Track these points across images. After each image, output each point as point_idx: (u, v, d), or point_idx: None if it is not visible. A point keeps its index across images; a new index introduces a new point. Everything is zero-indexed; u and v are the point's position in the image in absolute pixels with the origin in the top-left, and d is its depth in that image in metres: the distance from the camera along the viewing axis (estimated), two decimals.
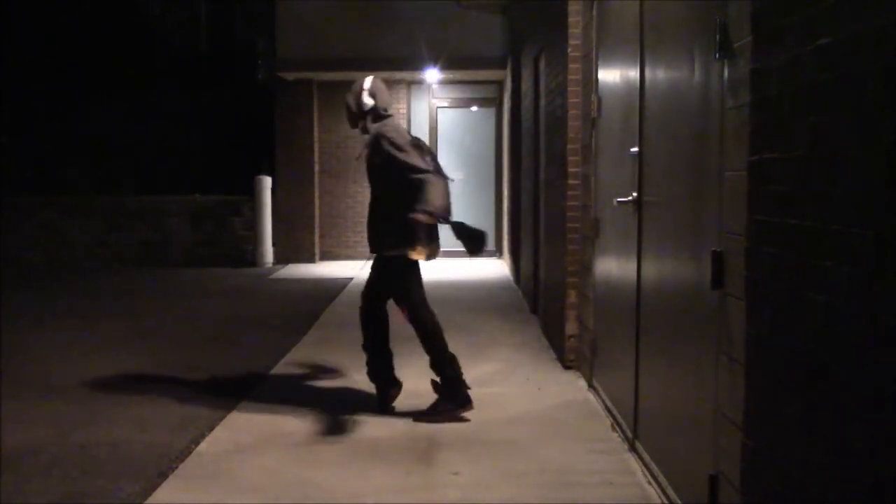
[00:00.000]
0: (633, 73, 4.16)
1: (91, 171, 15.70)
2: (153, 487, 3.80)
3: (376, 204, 4.88)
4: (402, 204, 4.56)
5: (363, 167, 4.94)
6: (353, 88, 4.94)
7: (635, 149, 4.09)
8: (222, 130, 16.73)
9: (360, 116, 4.90)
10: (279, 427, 4.65)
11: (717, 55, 2.84)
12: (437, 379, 4.78)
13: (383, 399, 4.90)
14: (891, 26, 1.76)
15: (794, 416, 2.23)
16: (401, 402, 4.94)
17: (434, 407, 4.74)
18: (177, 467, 4.06)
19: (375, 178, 4.87)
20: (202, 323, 8.18)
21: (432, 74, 12.70)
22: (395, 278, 4.82)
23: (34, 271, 12.35)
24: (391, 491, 3.73)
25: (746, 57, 2.58)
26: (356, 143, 13.61)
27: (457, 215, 4.81)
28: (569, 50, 5.69)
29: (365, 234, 5.00)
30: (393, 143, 4.70)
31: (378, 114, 4.89)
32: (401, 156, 4.67)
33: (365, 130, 4.91)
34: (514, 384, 5.56)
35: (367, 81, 4.93)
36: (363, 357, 5.00)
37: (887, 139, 1.77)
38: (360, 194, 13.57)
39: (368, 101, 4.87)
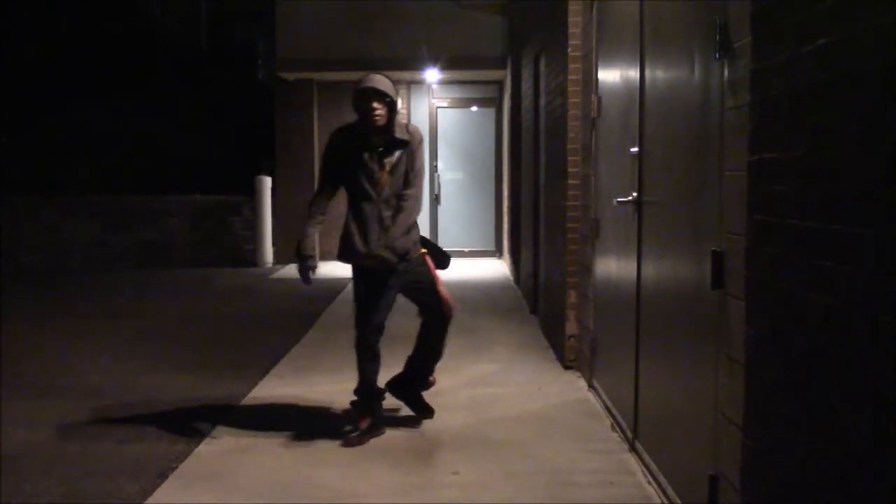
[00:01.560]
0: (633, 73, 4.16)
1: (91, 171, 15.69)
2: (153, 487, 3.80)
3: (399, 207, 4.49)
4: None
5: (384, 168, 4.44)
6: (387, 81, 4.37)
7: (635, 149, 4.09)
8: (222, 130, 16.72)
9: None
10: (279, 427, 4.65)
11: (717, 55, 2.84)
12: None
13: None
14: (891, 26, 1.76)
15: (794, 416, 2.23)
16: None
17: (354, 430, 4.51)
18: (177, 467, 4.06)
19: (404, 180, 4.48)
20: (202, 323, 8.18)
21: (432, 74, 12.70)
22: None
23: (34, 271, 12.35)
24: (391, 491, 3.73)
25: (746, 57, 2.58)
26: None
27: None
28: (569, 50, 5.69)
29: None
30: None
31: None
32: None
33: (391, 131, 4.40)
34: (514, 384, 5.56)
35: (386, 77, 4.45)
36: None
37: (887, 139, 1.77)
38: None
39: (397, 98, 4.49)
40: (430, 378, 4.83)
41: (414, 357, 4.75)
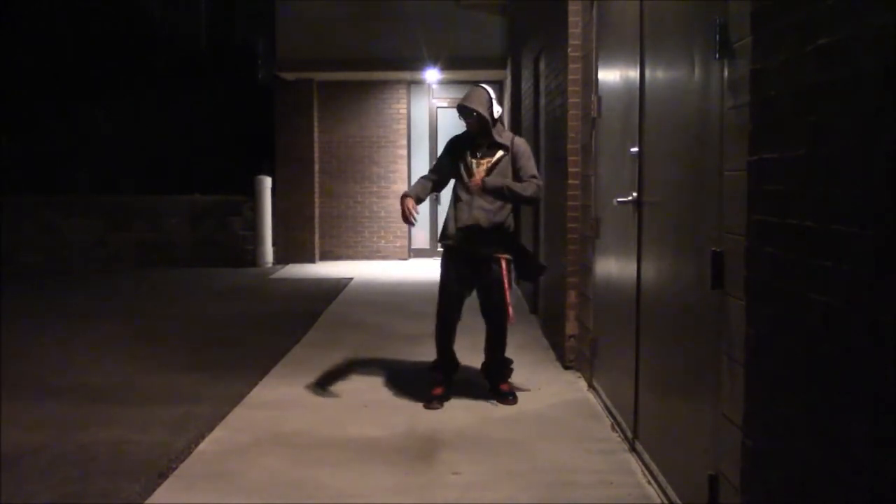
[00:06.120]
0: (633, 73, 4.16)
1: (91, 171, 15.68)
2: (153, 487, 3.80)
3: (504, 206, 5.23)
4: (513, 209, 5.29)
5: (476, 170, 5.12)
6: (480, 97, 5.01)
7: (635, 149, 4.09)
8: (222, 130, 16.71)
9: (492, 124, 5.04)
10: (279, 427, 4.66)
11: (717, 55, 2.84)
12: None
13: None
14: (891, 26, 1.76)
15: (794, 416, 2.23)
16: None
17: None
18: (177, 467, 4.06)
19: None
20: (202, 323, 8.18)
21: (432, 74, 12.69)
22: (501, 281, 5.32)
23: (34, 271, 12.35)
24: (391, 491, 3.73)
25: (746, 57, 2.58)
26: (356, 143, 13.63)
27: None
28: (569, 50, 5.69)
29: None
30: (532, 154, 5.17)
31: (503, 121, 5.15)
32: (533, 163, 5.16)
33: (490, 136, 5.05)
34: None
35: (492, 90, 5.09)
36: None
37: (887, 139, 1.77)
38: (360, 194, 13.56)
39: (498, 108, 5.07)
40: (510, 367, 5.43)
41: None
